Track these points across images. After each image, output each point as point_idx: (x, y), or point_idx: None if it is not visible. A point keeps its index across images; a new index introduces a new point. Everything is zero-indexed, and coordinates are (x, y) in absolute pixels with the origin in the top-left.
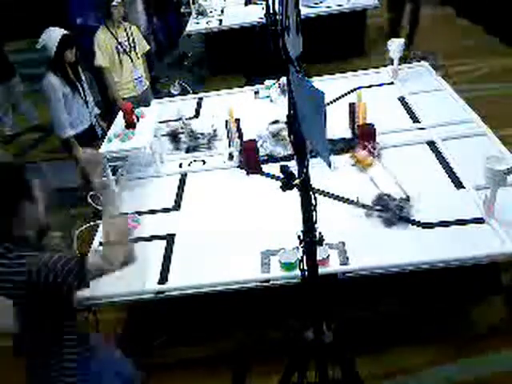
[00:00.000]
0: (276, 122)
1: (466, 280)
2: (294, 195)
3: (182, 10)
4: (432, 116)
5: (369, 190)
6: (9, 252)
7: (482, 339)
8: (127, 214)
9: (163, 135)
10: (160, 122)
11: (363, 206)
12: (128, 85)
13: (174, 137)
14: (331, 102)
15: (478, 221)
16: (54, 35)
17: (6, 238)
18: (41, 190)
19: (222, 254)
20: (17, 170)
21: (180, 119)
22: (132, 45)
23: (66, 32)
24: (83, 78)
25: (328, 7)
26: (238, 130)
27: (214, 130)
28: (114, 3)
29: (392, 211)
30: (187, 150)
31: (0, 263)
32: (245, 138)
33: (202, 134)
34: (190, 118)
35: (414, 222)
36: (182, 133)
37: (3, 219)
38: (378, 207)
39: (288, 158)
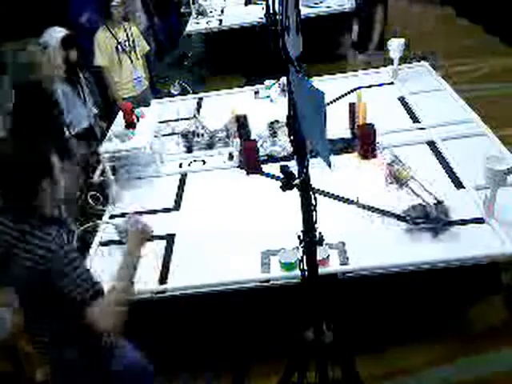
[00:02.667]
0: (276, 121)
1: (466, 280)
2: (294, 195)
3: (182, 10)
4: (432, 116)
5: (399, 200)
6: (34, 229)
7: (482, 339)
8: (127, 213)
9: (175, 134)
10: (160, 122)
11: (405, 220)
12: (127, 85)
13: (186, 135)
14: (331, 102)
15: (478, 221)
16: (55, 35)
17: (30, 215)
18: (65, 168)
19: (222, 253)
20: (41, 151)
21: (194, 116)
22: (132, 45)
23: (67, 32)
24: (82, 77)
25: (328, 7)
26: (245, 126)
27: (228, 129)
28: (113, 3)
29: (437, 220)
30: (205, 148)
31: (24, 240)
32: None
33: (216, 130)
34: (190, 118)
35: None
36: (190, 131)
37: (27, 197)
38: (421, 220)
39: (288, 158)
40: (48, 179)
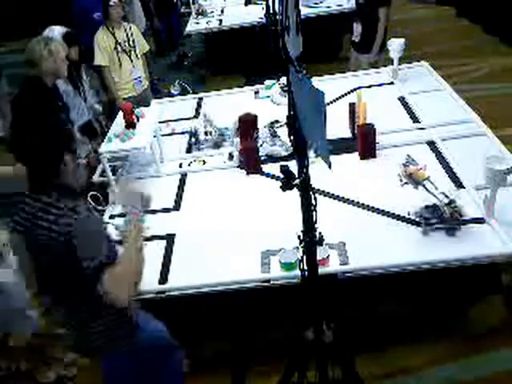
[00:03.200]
0: (276, 121)
1: (466, 280)
2: (294, 195)
3: (182, 10)
4: (432, 116)
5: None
6: (57, 201)
7: (482, 339)
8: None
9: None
10: (160, 122)
11: (413, 222)
12: (127, 85)
13: (194, 134)
14: (331, 102)
15: (478, 221)
16: (55, 34)
17: (52, 188)
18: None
19: (222, 254)
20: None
21: (205, 115)
22: (132, 45)
23: (67, 30)
24: (84, 75)
25: (328, 7)
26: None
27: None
28: (111, 3)
29: (451, 220)
30: (214, 146)
31: (48, 211)
32: None
33: (226, 128)
34: (190, 118)
35: (414, 222)
36: (198, 130)
37: (51, 167)
38: (434, 220)
39: (288, 157)
40: (70, 153)
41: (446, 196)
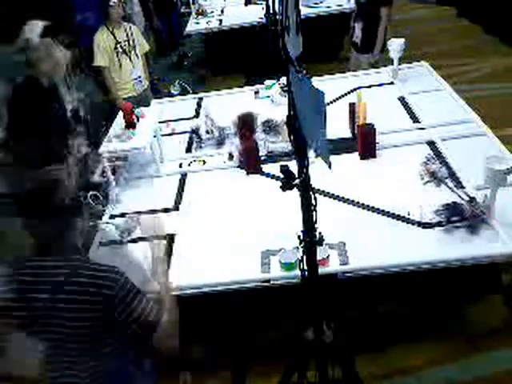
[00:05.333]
0: (267, 121)
1: (466, 280)
2: (294, 195)
3: (182, 10)
4: (432, 116)
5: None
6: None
7: (482, 339)
8: (127, 213)
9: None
10: (160, 122)
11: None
12: (127, 85)
13: (196, 132)
14: (331, 102)
15: None
16: (36, 29)
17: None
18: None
19: (222, 253)
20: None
21: (206, 114)
22: (132, 45)
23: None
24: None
25: (328, 7)
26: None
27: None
28: (111, 3)
29: (472, 218)
30: (217, 144)
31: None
32: None
33: (226, 128)
34: (190, 118)
35: (414, 222)
36: (199, 128)
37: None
38: (454, 218)
39: (287, 154)
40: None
41: (467, 194)
